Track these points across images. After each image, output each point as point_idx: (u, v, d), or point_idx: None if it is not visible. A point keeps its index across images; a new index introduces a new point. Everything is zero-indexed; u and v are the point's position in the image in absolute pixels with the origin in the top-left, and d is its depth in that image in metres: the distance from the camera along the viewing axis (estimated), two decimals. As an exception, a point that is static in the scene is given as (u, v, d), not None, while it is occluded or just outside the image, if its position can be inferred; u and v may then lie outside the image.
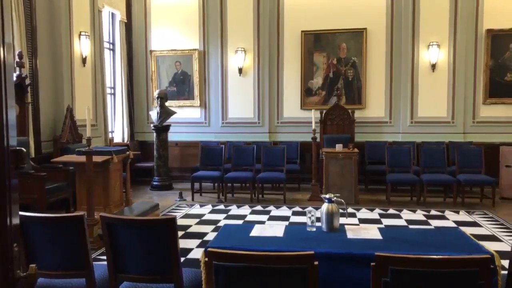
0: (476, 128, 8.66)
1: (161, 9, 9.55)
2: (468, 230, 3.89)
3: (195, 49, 9.42)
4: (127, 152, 6.20)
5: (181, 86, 9.58)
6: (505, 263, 2.67)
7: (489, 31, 8.49)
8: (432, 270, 1.99)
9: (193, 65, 9.44)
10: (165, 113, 8.64)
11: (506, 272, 2.60)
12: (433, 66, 8.59)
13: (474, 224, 6.07)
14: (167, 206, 7.27)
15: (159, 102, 8.60)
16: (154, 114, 8.70)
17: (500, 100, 8.57)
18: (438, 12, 8.57)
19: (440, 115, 8.67)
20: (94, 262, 2.81)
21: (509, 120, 8.52)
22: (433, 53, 8.55)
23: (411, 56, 8.70)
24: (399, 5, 8.73)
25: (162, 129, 8.60)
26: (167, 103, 8.81)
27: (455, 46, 8.55)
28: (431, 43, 8.54)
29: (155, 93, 8.92)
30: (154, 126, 8.61)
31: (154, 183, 8.67)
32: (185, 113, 9.47)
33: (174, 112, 8.77)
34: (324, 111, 8.70)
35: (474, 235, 3.30)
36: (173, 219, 2.64)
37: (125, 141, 9.17)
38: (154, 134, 8.61)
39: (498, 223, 6.10)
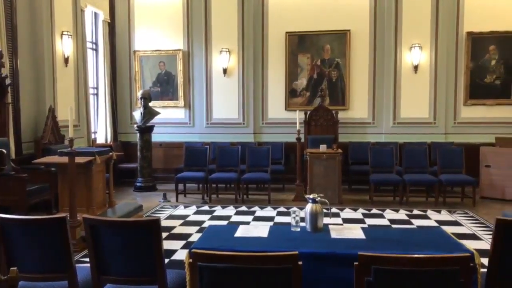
0: (457, 129, 8.81)
1: (145, 9, 9.48)
2: (450, 229, 3.96)
3: (179, 50, 9.38)
4: (110, 153, 6.14)
5: (165, 87, 9.52)
6: (485, 261, 2.73)
7: (469, 33, 8.65)
8: (414, 269, 2.02)
9: (177, 65, 9.40)
10: (149, 113, 8.58)
11: (485, 270, 2.67)
12: (416, 68, 8.72)
13: (455, 223, 6.17)
14: (151, 208, 7.22)
15: (142, 102, 8.54)
16: (137, 115, 8.64)
17: (480, 102, 8.73)
18: (420, 15, 8.70)
19: (422, 116, 8.80)
20: (76, 265, 2.77)
21: (489, 121, 8.69)
22: (415, 55, 8.67)
23: (394, 58, 8.81)
24: (382, 8, 8.84)
25: (145, 130, 8.54)
26: (150, 104, 8.75)
27: (436, 48, 8.69)
28: (413, 45, 8.66)
29: (139, 94, 8.85)
30: (137, 126, 8.54)
31: (138, 184, 8.61)
32: (169, 113, 9.41)
33: (158, 113, 8.71)
34: (309, 112, 8.76)
35: (455, 234, 3.36)
36: (157, 220, 2.62)
37: (108, 142, 9.08)
38: (138, 134, 8.54)
39: (478, 222, 6.22)
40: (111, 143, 9.03)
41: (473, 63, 8.72)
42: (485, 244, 5.05)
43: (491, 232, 5.65)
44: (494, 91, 8.70)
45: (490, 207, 7.07)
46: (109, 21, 9.34)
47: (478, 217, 6.46)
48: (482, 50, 8.68)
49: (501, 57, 8.64)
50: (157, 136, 9.07)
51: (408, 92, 8.79)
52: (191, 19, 9.33)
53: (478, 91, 8.73)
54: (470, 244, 3.15)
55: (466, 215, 6.63)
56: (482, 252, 2.95)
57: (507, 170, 7.46)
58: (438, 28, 8.66)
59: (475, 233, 5.66)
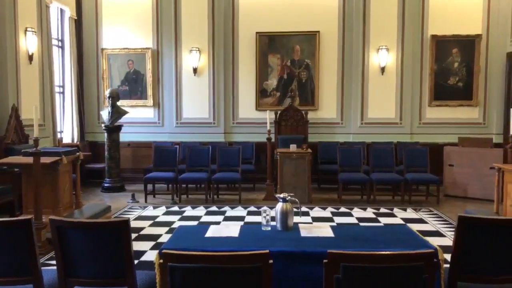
0: (422, 129, 9.07)
1: (113, 6, 9.31)
2: (415, 227, 4.07)
3: (148, 48, 9.26)
4: (77, 153, 6.01)
5: (133, 86, 9.38)
6: (448, 257, 2.83)
7: (433, 36, 8.92)
8: (381, 266, 2.08)
9: (146, 64, 9.28)
10: (117, 113, 8.44)
11: (448, 265, 2.77)
12: (382, 69, 8.92)
13: (420, 220, 6.36)
14: (119, 208, 7.10)
15: (110, 101, 8.39)
16: (105, 114, 8.48)
17: (444, 103, 9.02)
18: (387, 18, 8.91)
19: (389, 117, 9.01)
20: (42, 268, 2.71)
21: (452, 122, 8.99)
22: (382, 57, 8.88)
23: (362, 59, 8.99)
24: (350, 10, 9.00)
25: (113, 129, 8.39)
26: (119, 103, 8.61)
27: (402, 51, 8.92)
28: (381, 47, 8.86)
29: (107, 92, 8.69)
30: (105, 126, 8.38)
31: (106, 184, 8.45)
32: (137, 113, 9.28)
33: (126, 112, 8.58)
34: (279, 112, 8.82)
35: (420, 231, 3.47)
36: (127, 221, 2.59)
37: (75, 141, 8.87)
38: (105, 134, 8.39)
39: (442, 219, 6.43)
40: (78, 143, 8.83)
41: (437, 65, 9.00)
42: (448, 240, 5.23)
43: (454, 229, 5.85)
44: (457, 92, 9.01)
45: (453, 205, 7.31)
46: (76, 18, 9.12)
47: (441, 215, 6.68)
48: (446, 53, 8.98)
49: (463, 60, 8.95)
50: (125, 136, 8.93)
51: (375, 93, 8.99)
52: (161, 18, 9.23)
53: (442, 92, 9.01)
54: (434, 241, 3.26)
55: (431, 212, 6.84)
56: (445, 248, 3.05)
57: (469, 169, 7.74)
58: (404, 31, 8.89)
59: (439, 230, 5.85)
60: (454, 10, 8.88)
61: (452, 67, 9.00)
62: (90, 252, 2.62)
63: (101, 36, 9.37)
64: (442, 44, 8.96)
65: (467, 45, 8.91)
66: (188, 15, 9.12)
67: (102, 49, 9.32)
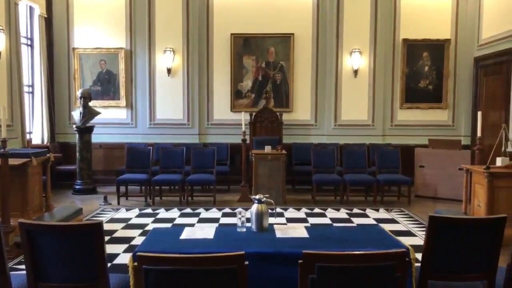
0: (394, 131, 9.26)
1: (85, 5, 9.13)
2: (387, 227, 4.15)
3: (121, 48, 9.13)
4: (47, 155, 5.86)
5: (106, 86, 9.22)
6: (419, 256, 2.89)
7: (405, 40, 9.12)
8: (355, 265, 2.11)
9: (119, 64, 9.14)
10: (89, 113, 8.28)
11: (419, 264, 2.83)
12: (355, 72, 9.06)
13: (392, 221, 6.48)
14: (91, 211, 6.97)
15: (82, 102, 8.23)
16: (76, 115, 8.31)
17: (415, 105, 9.24)
18: (359, 21, 9.05)
19: (361, 119, 9.16)
20: (10, 272, 2.63)
21: (423, 124, 9.21)
22: (355, 60, 9.02)
23: (335, 62, 9.10)
24: (324, 13, 9.11)
25: (85, 130, 8.23)
26: (90, 103, 8.46)
27: (375, 54, 9.08)
28: (354, 50, 9.00)
29: (78, 93, 8.52)
30: (76, 127, 8.21)
31: (77, 186, 8.28)
32: (110, 113, 9.13)
33: (98, 113, 8.43)
34: (254, 114, 8.84)
35: (392, 231, 3.53)
36: (99, 224, 2.55)
37: (45, 142, 8.64)
38: (77, 135, 8.22)
39: (413, 219, 6.57)
40: (48, 144, 8.61)
41: (408, 68, 9.20)
42: (419, 240, 5.35)
43: (424, 229, 5.99)
44: (427, 95, 9.24)
45: (424, 205, 7.49)
46: (46, 16, 8.89)
47: (413, 215, 6.82)
48: (416, 56, 9.20)
49: (433, 63, 9.19)
50: (97, 137, 8.77)
51: (348, 96, 9.12)
52: (134, 17, 9.11)
53: (413, 95, 9.22)
54: (406, 240, 3.33)
55: (402, 213, 6.99)
56: (416, 248, 3.13)
57: (439, 170, 7.94)
58: (377, 34, 9.06)
59: (410, 230, 5.98)
60: (425, 15, 9.11)
61: (422, 71, 9.23)
62: (61, 256, 2.56)
63: (72, 35, 9.17)
64: (413, 48, 9.17)
65: (437, 49, 9.16)
66: (162, 15, 9.03)
67: (74, 49, 9.13)
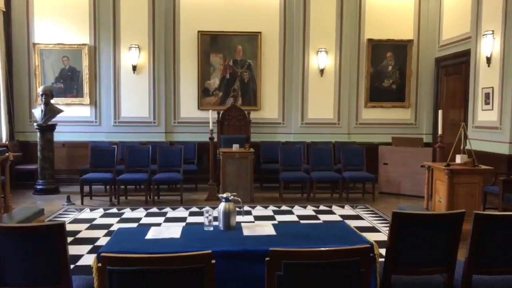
0: (359, 129, 9.45)
1: (46, -1, 8.84)
2: (352, 223, 4.23)
3: (85, 44, 8.89)
4: (6, 154, 5.64)
5: (69, 83, 8.97)
6: (383, 251, 2.97)
7: (369, 40, 9.32)
8: (320, 262, 2.14)
9: (83, 60, 8.90)
10: (51, 111, 8.04)
11: (383, 259, 2.90)
12: (322, 71, 9.17)
13: (357, 217, 6.61)
14: (54, 211, 6.77)
15: (43, 99, 7.97)
16: (37, 112, 8.04)
17: (379, 104, 9.45)
18: (326, 22, 9.18)
19: (328, 117, 9.30)
20: (-33, 277, 2.52)
21: (386, 122, 9.44)
22: (322, 59, 9.13)
23: (302, 61, 9.19)
24: (291, 13, 9.18)
25: (47, 129, 7.98)
26: (52, 101, 8.21)
27: (340, 53, 9.23)
28: (320, 50, 9.11)
29: (39, 90, 8.24)
30: (37, 125, 7.95)
31: (38, 186, 8.02)
32: (73, 111, 8.89)
33: (60, 110, 8.19)
34: (221, 112, 8.81)
35: (357, 227, 3.61)
36: (62, 225, 2.48)
37: (4, 141, 8.32)
38: (38, 134, 7.96)
39: (377, 215, 6.73)
40: (7, 142, 8.29)
41: (372, 68, 9.41)
42: (383, 235, 5.48)
43: (388, 224, 6.15)
44: (391, 94, 9.47)
45: (388, 202, 7.68)
46: (4, 9, 8.55)
47: (377, 211, 6.99)
48: (381, 56, 9.41)
49: (396, 63, 9.43)
50: (60, 135, 8.53)
51: (315, 94, 9.23)
52: (98, 13, 8.89)
53: (377, 94, 9.44)
54: (370, 236, 3.40)
55: (367, 209, 7.14)
56: (380, 243, 3.20)
57: (402, 167, 8.16)
58: (342, 34, 9.21)
59: (375, 226, 6.12)
60: (389, 16, 9.33)
61: (386, 70, 9.45)
62: (22, 258, 2.47)
63: (32, 30, 8.86)
64: (377, 48, 9.38)
65: (400, 49, 9.40)
66: (127, 11, 8.86)
67: (34, 44, 8.82)
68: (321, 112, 9.27)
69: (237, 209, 3.41)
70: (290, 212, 6.87)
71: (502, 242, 2.82)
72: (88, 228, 5.86)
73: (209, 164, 7.88)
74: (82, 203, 7.25)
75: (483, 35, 7.33)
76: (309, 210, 7.00)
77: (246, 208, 6.80)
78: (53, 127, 8.10)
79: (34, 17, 8.86)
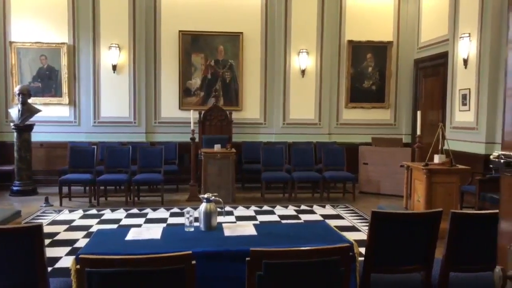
0: (339, 129, 9.53)
1: (23, -3, 8.67)
2: (333, 222, 4.28)
3: (64, 43, 8.75)
4: (-18, 154, 5.52)
5: (47, 82, 8.81)
6: (363, 250, 3.00)
7: (350, 42, 9.41)
8: (301, 261, 2.16)
9: (61, 60, 8.75)
10: (28, 111, 7.88)
11: (363, 258, 2.94)
12: (303, 72, 9.23)
13: (338, 216, 6.67)
14: (31, 213, 6.64)
15: (20, 99, 7.81)
16: (14, 112, 7.88)
17: (359, 105, 9.56)
18: (307, 22, 9.23)
19: (309, 118, 9.36)
20: None
21: (366, 123, 9.56)
22: (303, 60, 9.19)
23: (283, 62, 9.23)
24: (272, 14, 9.20)
25: (24, 129, 7.83)
26: (30, 100, 8.05)
27: (321, 54, 9.30)
28: (301, 50, 9.16)
29: (16, 89, 8.06)
30: (14, 125, 7.79)
31: (15, 188, 7.86)
32: (51, 111, 8.74)
33: (38, 110, 8.04)
34: (203, 112, 8.78)
35: (338, 227, 3.65)
36: (39, 227, 2.44)
37: (-21, 141, 8.13)
38: (15, 134, 7.80)
39: (357, 215, 6.80)
40: (-18, 143, 8.11)
41: (353, 69, 9.51)
42: (363, 234, 5.54)
43: (368, 224, 6.22)
44: (371, 95, 9.59)
45: (368, 201, 7.77)
46: (-20, 7, 8.36)
47: (357, 210, 7.06)
48: (361, 57, 9.52)
49: (376, 64, 9.55)
50: (37, 136, 8.37)
51: (296, 95, 9.28)
52: (77, 11, 8.76)
53: (357, 95, 9.54)
54: (350, 235, 3.44)
55: (347, 208, 7.21)
56: (360, 242, 3.24)
57: (381, 167, 8.27)
58: (323, 35, 9.28)
59: (355, 225, 6.19)
60: (369, 18, 9.44)
61: (366, 71, 9.56)
62: (-3, 261, 2.42)
63: (9, 28, 8.68)
64: (357, 49, 9.48)
65: (380, 51, 9.52)
66: (107, 10, 8.75)
67: (11, 42, 8.64)
68: (303, 112, 9.32)
69: (219, 209, 3.40)
70: (272, 212, 6.89)
71: (478, 240, 2.89)
72: (66, 230, 5.77)
73: (190, 165, 7.85)
74: (61, 205, 7.13)
75: (460, 37, 7.48)
76: (291, 210, 7.04)
77: (227, 208, 6.79)
78: (30, 127, 7.94)
79: (11, 15, 8.67)
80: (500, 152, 1.31)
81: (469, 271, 3.00)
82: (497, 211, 1.35)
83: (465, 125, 7.49)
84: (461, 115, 7.63)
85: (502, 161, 1.29)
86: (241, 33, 9.14)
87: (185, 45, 9.07)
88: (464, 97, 7.49)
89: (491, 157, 1.34)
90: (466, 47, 7.39)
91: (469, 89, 7.35)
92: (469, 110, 7.38)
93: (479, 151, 7.05)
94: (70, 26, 8.79)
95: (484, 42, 7.03)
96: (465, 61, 7.42)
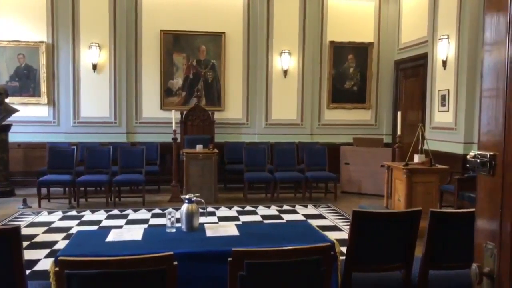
0: (321, 130, 9.59)
1: (0, -6, 8.49)
2: (315, 222, 4.30)
3: (42, 42, 8.60)
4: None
5: (25, 81, 8.64)
6: (344, 249, 3.03)
7: (331, 43, 9.48)
8: (282, 261, 2.16)
9: (40, 58, 8.60)
10: (5, 111, 7.72)
11: (344, 257, 2.96)
12: (285, 72, 9.26)
13: (320, 216, 6.72)
14: (8, 215, 6.51)
15: (-3, 98, 7.65)
16: (-9, 112, 7.71)
17: (340, 105, 9.64)
18: (289, 23, 9.27)
19: (291, 118, 9.39)
20: None
21: (348, 123, 9.64)
22: (285, 60, 9.22)
23: (266, 62, 9.24)
24: (254, 14, 9.21)
25: (1, 129, 7.67)
26: (7, 100, 7.89)
27: (303, 55, 9.35)
28: (283, 51, 9.19)
29: (-7, 88, 7.90)
30: (-9, 125, 7.62)
31: (-8, 189, 7.69)
32: (29, 111, 8.58)
33: (16, 110, 7.89)
34: (185, 112, 8.73)
35: (320, 226, 3.67)
36: (17, 229, 2.39)
37: (-46, 142, 7.92)
38: (-8, 134, 7.63)
39: (339, 214, 6.86)
40: (-42, 143, 7.90)
41: (334, 70, 9.58)
42: (345, 234, 5.58)
43: (349, 223, 6.28)
44: (352, 96, 9.68)
45: (349, 201, 7.84)
46: (-45, 4, 8.16)
47: (339, 210, 7.12)
48: (342, 58, 9.60)
49: (357, 65, 9.64)
50: (15, 136, 8.20)
51: (279, 95, 9.31)
52: (56, 9, 8.61)
53: (339, 95, 9.62)
54: (332, 235, 3.47)
55: (329, 208, 7.27)
56: (342, 242, 3.26)
57: (362, 167, 8.35)
58: (305, 36, 9.33)
59: (337, 224, 6.24)
60: (350, 19, 9.53)
61: (348, 72, 9.65)
62: (-28, 264, 2.37)
63: (-15, 25, 8.49)
64: (339, 50, 9.56)
65: (361, 52, 9.62)
66: (87, 9, 8.63)
67: (-13, 40, 8.46)
68: (285, 112, 9.35)
69: (201, 210, 3.39)
70: (254, 213, 6.89)
71: (456, 238, 2.94)
72: (45, 232, 5.67)
73: (172, 165, 7.79)
74: (39, 206, 7.01)
75: (439, 39, 7.62)
76: (273, 210, 7.05)
77: (210, 209, 6.76)
78: (8, 127, 7.78)
79: (-13, 13, 8.49)
80: (476, 152, 1.33)
81: (448, 269, 3.06)
82: (474, 209, 1.38)
83: (444, 125, 7.62)
84: (440, 116, 7.76)
85: (478, 160, 1.31)
86: (223, 33, 9.12)
87: (166, 45, 9.00)
88: (443, 97, 7.62)
89: (468, 157, 1.37)
90: (445, 49, 7.52)
91: (448, 90, 7.48)
92: (448, 110, 7.52)
93: (458, 151, 7.19)
94: (49, 24, 8.64)
95: (462, 44, 7.18)
96: (444, 62, 7.55)
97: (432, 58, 7.94)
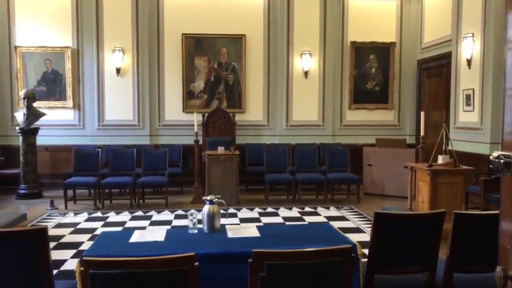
0: (343, 131, 9.52)
1: (28, 1, 8.72)
2: (337, 224, 4.27)
3: (68, 47, 8.81)
4: (-13, 158, 5.57)
5: (51, 86, 8.87)
6: (366, 251, 3.00)
7: (353, 43, 9.41)
8: (302, 262, 2.16)
9: (66, 63, 8.81)
10: (33, 114, 7.94)
11: (366, 259, 2.94)
12: (306, 74, 9.23)
13: (342, 218, 6.67)
14: (37, 216, 6.68)
15: (25, 102, 7.86)
16: (20, 116, 7.93)
17: (362, 106, 9.54)
18: (309, 24, 9.24)
19: (312, 119, 9.35)
20: None
21: (370, 124, 9.54)
22: (306, 61, 9.19)
23: (286, 63, 9.23)
24: (275, 15, 9.22)
25: (29, 132, 7.88)
26: (35, 104, 8.10)
27: (324, 56, 9.30)
28: (304, 52, 9.17)
29: (21, 93, 8.12)
30: (20, 129, 7.84)
31: (21, 191, 7.90)
32: (56, 115, 8.79)
33: (43, 114, 8.10)
34: (206, 114, 8.80)
35: (341, 228, 3.64)
36: (44, 229, 2.46)
37: (-15, 145, 8.20)
38: (21, 137, 7.85)
39: (362, 216, 6.79)
40: (-12, 147, 8.17)
41: (356, 70, 9.50)
42: (367, 236, 5.53)
43: (372, 225, 6.21)
44: (374, 96, 9.57)
45: (372, 202, 7.75)
46: (-15, 12, 8.43)
47: (362, 212, 7.05)
48: (364, 58, 9.51)
49: (379, 65, 9.53)
50: (42, 139, 8.41)
51: (299, 96, 9.28)
52: (81, 15, 8.82)
53: (360, 96, 9.53)
54: (354, 237, 3.44)
55: (352, 210, 7.20)
56: (364, 244, 3.23)
57: (386, 168, 8.25)
58: (326, 37, 9.28)
59: (359, 226, 6.18)
60: (371, 18, 9.43)
61: (369, 72, 9.55)
62: (3, 263, 2.44)
63: (14, 32, 8.74)
64: (360, 50, 9.47)
65: (383, 52, 9.51)
66: (110, 14, 8.80)
67: (16, 47, 8.70)
68: (306, 114, 9.32)
69: (222, 211, 3.42)
70: (276, 214, 6.89)
71: (481, 240, 2.87)
72: (72, 233, 5.80)
73: (194, 167, 7.86)
74: (66, 208, 7.17)
75: (463, 37, 7.46)
76: (295, 212, 7.04)
77: (231, 210, 6.80)
78: (35, 130, 7.99)
79: (15, 20, 8.74)
80: (500, 153, 1.31)
81: (473, 272, 2.99)
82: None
83: (469, 126, 7.46)
84: (465, 116, 7.60)
85: (502, 161, 1.29)
86: (244, 35, 9.16)
87: (188, 48, 9.10)
88: (468, 97, 7.46)
89: (491, 157, 1.35)
90: (470, 47, 7.36)
91: (473, 89, 7.32)
92: (473, 110, 7.36)
93: (484, 151, 7.02)
94: (74, 30, 8.84)
95: (488, 42, 7.02)
96: (469, 61, 7.40)
97: (456, 57, 7.79)
